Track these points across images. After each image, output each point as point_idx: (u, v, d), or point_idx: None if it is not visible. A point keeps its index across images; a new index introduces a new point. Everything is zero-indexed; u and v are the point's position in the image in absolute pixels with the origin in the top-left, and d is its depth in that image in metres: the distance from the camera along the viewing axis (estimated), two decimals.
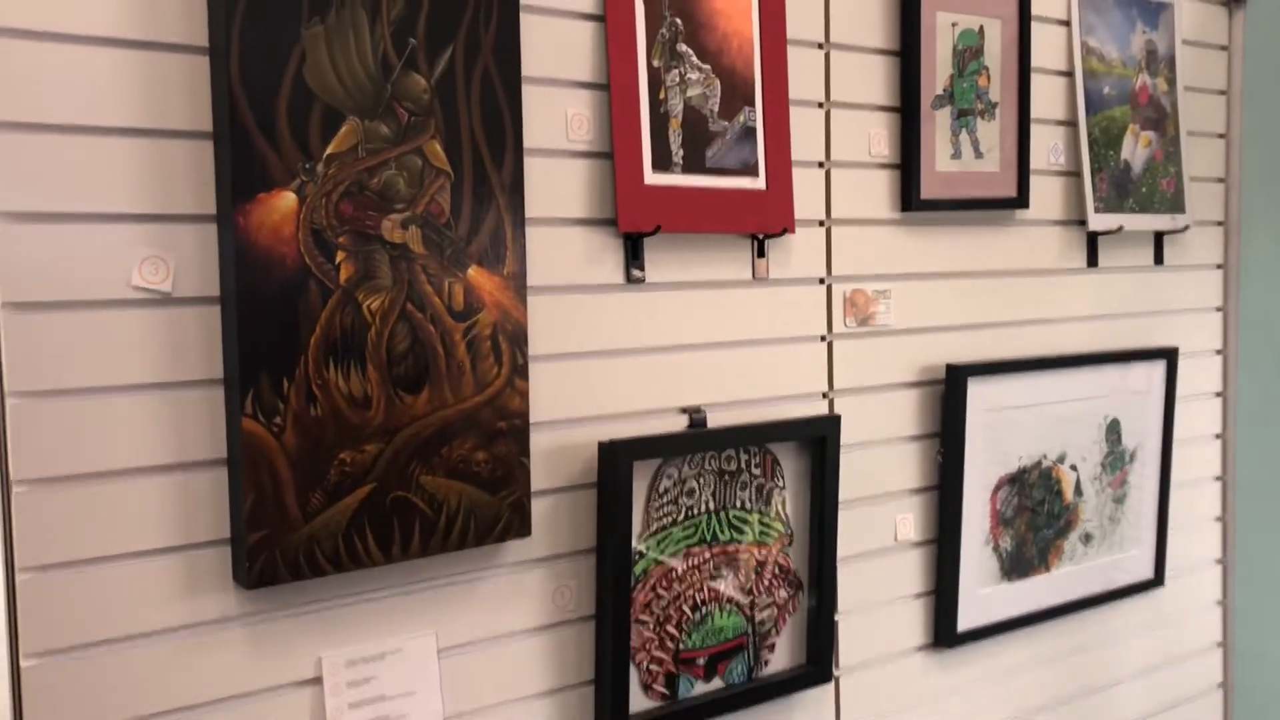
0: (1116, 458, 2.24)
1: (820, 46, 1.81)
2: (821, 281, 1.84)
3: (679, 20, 1.63)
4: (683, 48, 1.63)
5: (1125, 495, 2.27)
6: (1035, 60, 2.06)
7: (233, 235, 1.24)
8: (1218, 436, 2.52)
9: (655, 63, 1.60)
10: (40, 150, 1.18)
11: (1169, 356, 2.29)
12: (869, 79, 1.87)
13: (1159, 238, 2.33)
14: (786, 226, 1.73)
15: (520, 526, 1.48)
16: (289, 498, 1.29)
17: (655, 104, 1.60)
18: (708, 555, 1.68)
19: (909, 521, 1.97)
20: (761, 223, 1.71)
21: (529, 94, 1.50)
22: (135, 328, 1.24)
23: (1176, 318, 2.39)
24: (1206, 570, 2.52)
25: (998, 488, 2.05)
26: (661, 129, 1.61)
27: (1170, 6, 2.30)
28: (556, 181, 1.55)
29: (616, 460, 1.55)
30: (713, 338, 1.70)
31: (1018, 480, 2.08)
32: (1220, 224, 2.47)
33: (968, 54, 1.96)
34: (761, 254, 1.74)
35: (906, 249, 1.93)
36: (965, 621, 2.03)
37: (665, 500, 1.63)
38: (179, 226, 1.26)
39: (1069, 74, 2.14)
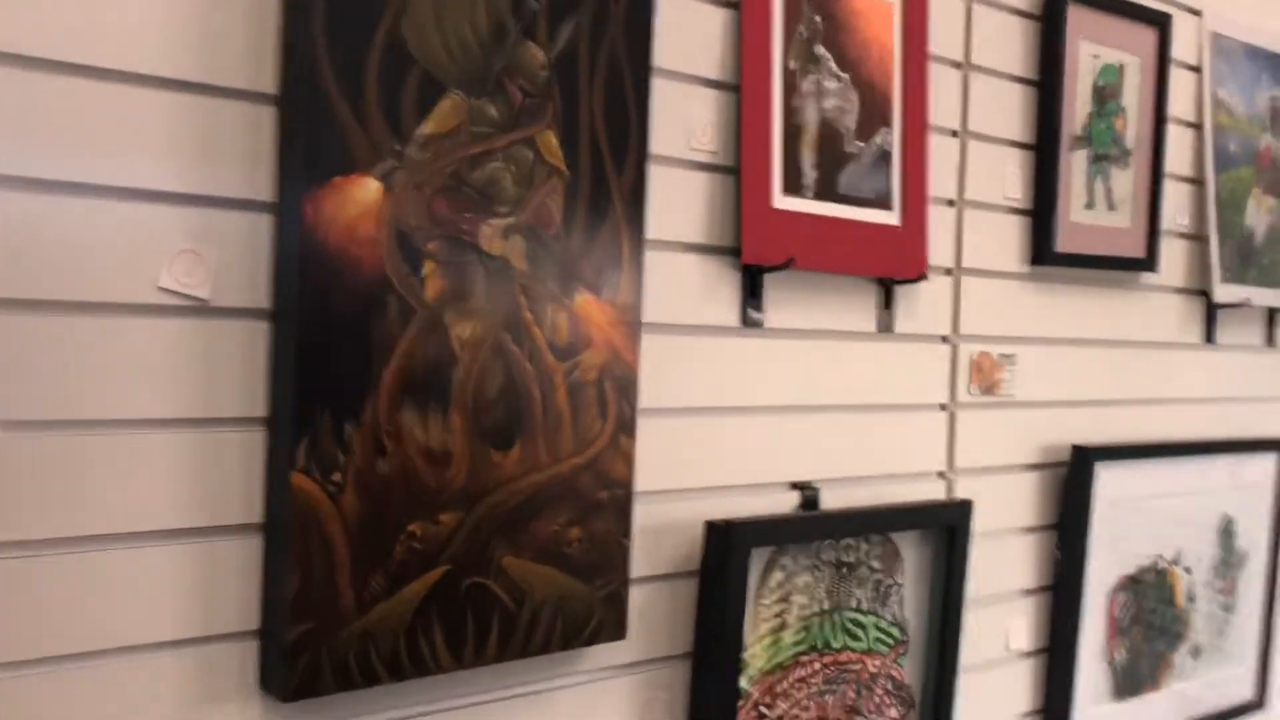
0: (1227, 562, 1.98)
1: (958, 66, 1.56)
2: (945, 340, 1.56)
3: (818, 18, 1.36)
4: (821, 50, 1.36)
5: (1234, 604, 2.01)
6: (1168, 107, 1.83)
7: (298, 230, 0.94)
8: None
9: (792, 64, 1.33)
10: (54, 97, 0.87)
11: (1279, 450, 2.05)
12: (1007, 109, 1.62)
13: (1271, 315, 2.10)
14: (922, 271, 1.46)
15: (615, 626, 1.17)
16: (342, 580, 0.97)
17: (789, 113, 1.33)
18: (818, 666, 1.38)
19: (1021, 628, 1.68)
20: (893, 265, 1.44)
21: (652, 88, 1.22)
22: (158, 343, 0.92)
23: None
24: None
25: (1116, 591, 1.78)
26: (794, 144, 1.33)
27: None
28: (674, 197, 1.26)
29: (730, 546, 1.24)
30: (830, 399, 1.42)
31: (1135, 583, 1.81)
32: None
33: (1107, 92, 1.72)
34: (888, 303, 1.47)
35: (1035, 308, 1.67)
36: None
37: (777, 597, 1.33)
38: (224, 214, 0.95)
39: (1196, 126, 1.91)
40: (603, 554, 1.15)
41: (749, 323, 1.33)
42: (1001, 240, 1.62)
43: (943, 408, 1.56)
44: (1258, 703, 2.08)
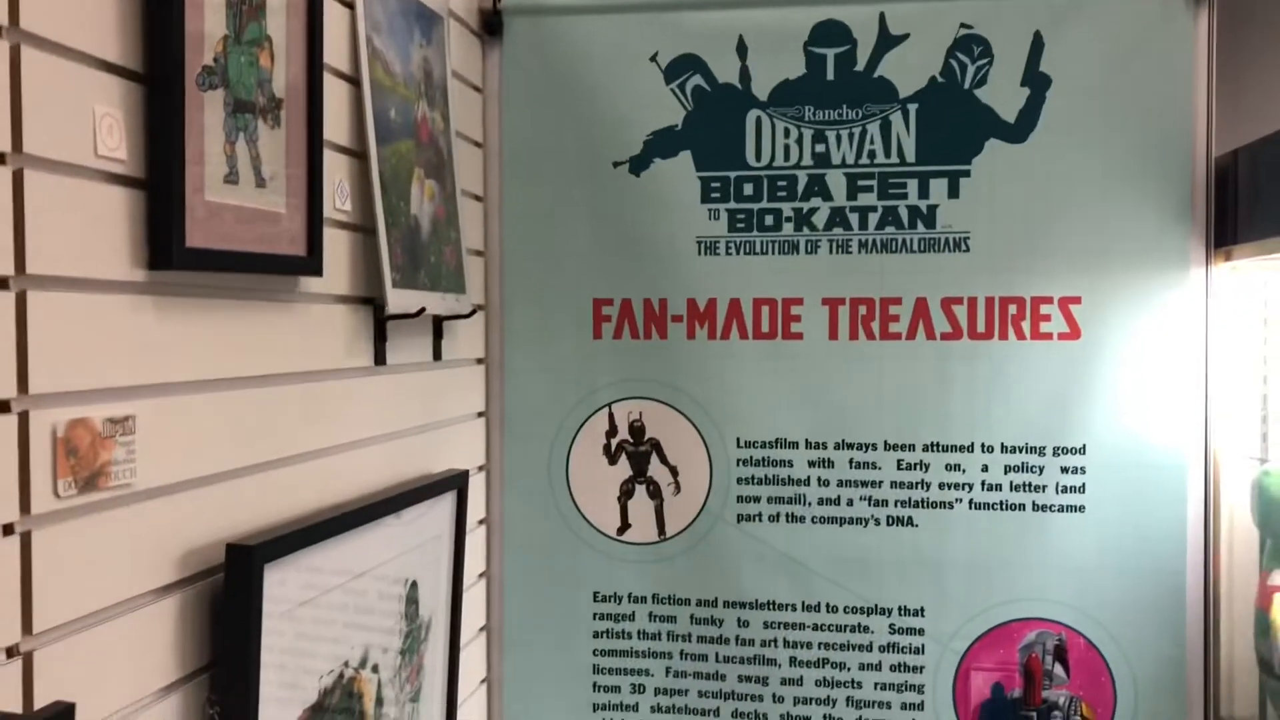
0: (414, 638, 1.57)
1: None
2: (6, 408, 0.86)
3: None
4: None
5: (421, 688, 1.61)
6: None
7: None
8: (482, 575, 2.00)
9: None
10: None
11: (460, 484, 1.70)
12: (91, 6, 0.96)
13: (438, 324, 1.73)
14: None
15: None
16: None
17: None
18: None
19: None
20: None
21: None
22: None
23: (451, 431, 1.82)
24: None
25: None
26: None
27: (442, 20, 1.74)
28: None
29: None
30: None
31: (320, 713, 1.28)
32: (480, 308, 1.97)
33: (246, 9, 1.15)
34: None
35: (157, 338, 1.04)
36: None
37: None
38: None
39: (354, 80, 1.44)
40: None
41: None
42: (98, 228, 0.96)
43: (8, 530, 0.86)
44: None
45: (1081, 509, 1.84)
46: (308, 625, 1.24)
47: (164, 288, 1.04)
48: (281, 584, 1.16)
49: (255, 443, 1.21)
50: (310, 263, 1.27)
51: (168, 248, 1.02)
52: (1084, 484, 1.84)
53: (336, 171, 1.40)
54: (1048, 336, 1.84)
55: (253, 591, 1.10)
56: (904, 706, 1.92)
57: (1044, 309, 1.84)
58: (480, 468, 1.98)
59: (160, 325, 1.04)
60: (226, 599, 1.10)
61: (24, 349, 0.87)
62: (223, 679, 1.11)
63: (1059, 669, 1.87)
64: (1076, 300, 1.83)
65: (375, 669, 1.44)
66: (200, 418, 1.11)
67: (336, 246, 1.39)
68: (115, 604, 0.98)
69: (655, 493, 1.98)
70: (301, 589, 1.22)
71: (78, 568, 0.93)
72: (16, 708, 0.86)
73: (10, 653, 0.86)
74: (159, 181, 1.01)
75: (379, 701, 1.46)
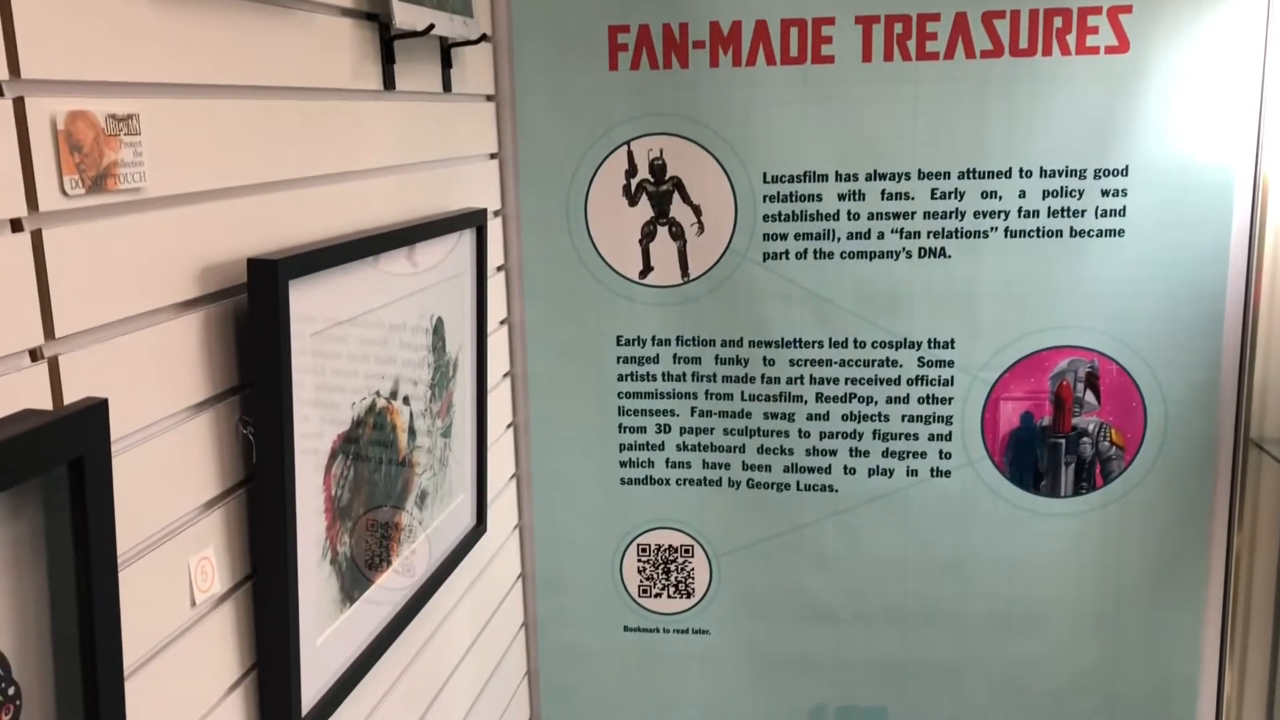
0: (442, 373, 1.55)
1: None
2: None
3: None
4: None
5: (451, 424, 1.59)
6: None
7: None
8: (503, 322, 1.96)
9: None
10: None
11: (479, 222, 1.64)
12: None
13: (446, 53, 1.63)
14: None
15: None
16: None
17: None
18: None
19: (210, 565, 1.05)
20: None
21: None
22: None
23: (464, 171, 1.74)
24: (505, 490, 1.99)
25: (332, 459, 1.22)
26: None
27: None
28: None
29: None
30: None
31: (353, 439, 1.27)
32: (486, 39, 1.84)
33: None
34: None
35: (158, 35, 0.95)
36: (310, 696, 1.19)
37: None
38: None
39: None
40: None
41: None
42: None
43: (16, 227, 0.80)
44: (479, 525, 1.73)
45: (1121, 233, 1.79)
46: (336, 350, 1.20)
47: None
48: (306, 304, 1.12)
49: (267, 158, 1.13)
50: None
51: None
52: (1124, 207, 1.78)
53: None
54: (1094, 51, 1.73)
55: (279, 307, 1.05)
56: (931, 438, 1.91)
57: (1091, 20, 1.72)
58: (496, 213, 1.91)
59: (158, 20, 0.95)
60: (252, 315, 1.05)
61: (10, 27, 0.79)
62: (255, 399, 1.07)
63: (1090, 395, 1.85)
64: (1127, 9, 1.71)
65: (406, 400, 1.41)
66: (206, 126, 1.03)
67: None
68: (137, 315, 0.93)
69: (678, 234, 1.91)
70: (327, 312, 1.17)
71: (94, 273, 0.88)
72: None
73: (34, 355, 0.82)
74: None
75: (412, 433, 1.44)
